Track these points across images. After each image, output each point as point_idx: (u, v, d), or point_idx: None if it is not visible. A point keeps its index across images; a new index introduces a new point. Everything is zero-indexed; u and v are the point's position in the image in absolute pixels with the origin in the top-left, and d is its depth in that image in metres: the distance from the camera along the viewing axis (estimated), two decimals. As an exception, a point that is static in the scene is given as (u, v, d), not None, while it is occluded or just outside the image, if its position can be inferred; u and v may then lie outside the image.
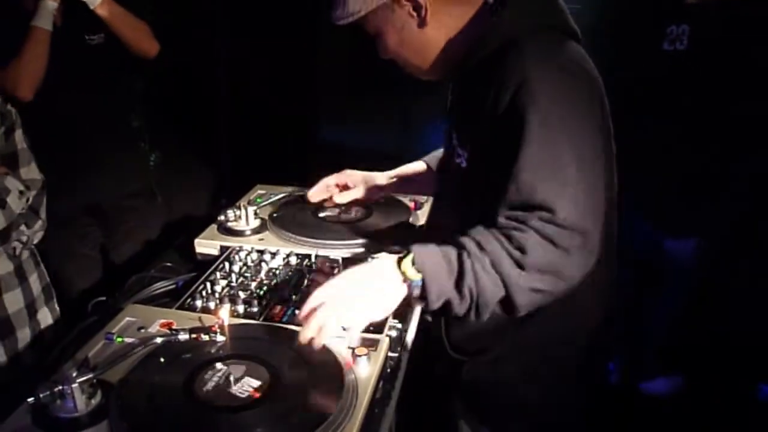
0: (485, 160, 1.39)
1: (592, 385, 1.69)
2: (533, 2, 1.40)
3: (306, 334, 1.27)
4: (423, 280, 1.25)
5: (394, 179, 2.04)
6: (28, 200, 1.81)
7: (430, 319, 1.66)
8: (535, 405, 1.57)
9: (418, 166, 2.04)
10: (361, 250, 1.89)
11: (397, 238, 1.93)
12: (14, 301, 1.88)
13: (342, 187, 2.05)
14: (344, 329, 1.35)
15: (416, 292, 1.27)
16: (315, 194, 2.08)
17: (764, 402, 2.99)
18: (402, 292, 1.29)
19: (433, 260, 1.25)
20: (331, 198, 2.05)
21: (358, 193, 2.02)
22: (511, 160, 1.25)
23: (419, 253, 1.26)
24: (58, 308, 2.07)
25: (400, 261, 1.29)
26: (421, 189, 2.13)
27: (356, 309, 1.29)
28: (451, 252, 1.25)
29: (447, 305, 1.27)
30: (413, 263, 1.26)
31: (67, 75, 2.51)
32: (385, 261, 1.33)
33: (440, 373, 1.65)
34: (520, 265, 1.22)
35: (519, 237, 1.22)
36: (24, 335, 1.90)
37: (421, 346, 1.62)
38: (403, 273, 1.27)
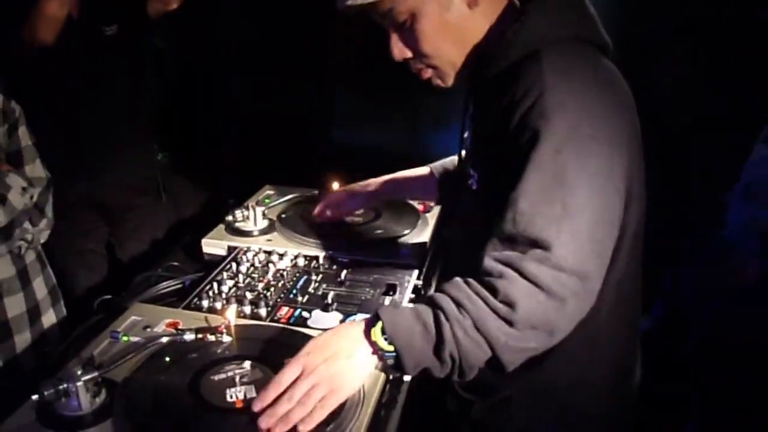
0: (496, 185, 1.22)
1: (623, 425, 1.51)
2: (561, 9, 1.24)
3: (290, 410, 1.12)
4: (396, 351, 1.13)
5: (384, 184, 1.95)
6: (32, 197, 1.80)
7: None
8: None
9: (421, 170, 1.94)
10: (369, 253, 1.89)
11: (404, 240, 1.93)
12: (15, 305, 1.87)
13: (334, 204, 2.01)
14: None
15: (390, 362, 1.16)
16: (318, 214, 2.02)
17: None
18: (372, 363, 1.19)
19: (405, 329, 1.13)
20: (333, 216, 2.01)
21: (342, 215, 2.02)
22: (513, 185, 1.13)
23: (390, 320, 1.15)
24: (65, 310, 2.06)
25: (368, 330, 1.17)
26: (419, 195, 2.09)
27: (341, 369, 1.16)
28: (427, 315, 1.13)
29: (426, 371, 1.16)
30: (383, 332, 1.15)
31: (81, 66, 2.51)
32: (351, 329, 1.21)
33: (451, 407, 1.53)
34: (508, 322, 1.09)
35: (506, 288, 1.09)
36: (23, 339, 1.88)
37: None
38: (373, 344, 1.16)
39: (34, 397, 1.12)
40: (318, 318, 1.54)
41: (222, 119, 3.37)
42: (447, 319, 1.10)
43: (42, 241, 1.92)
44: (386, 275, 1.75)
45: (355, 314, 1.55)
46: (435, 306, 1.13)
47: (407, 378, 1.31)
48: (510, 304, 1.08)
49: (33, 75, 2.41)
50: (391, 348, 1.14)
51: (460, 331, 1.09)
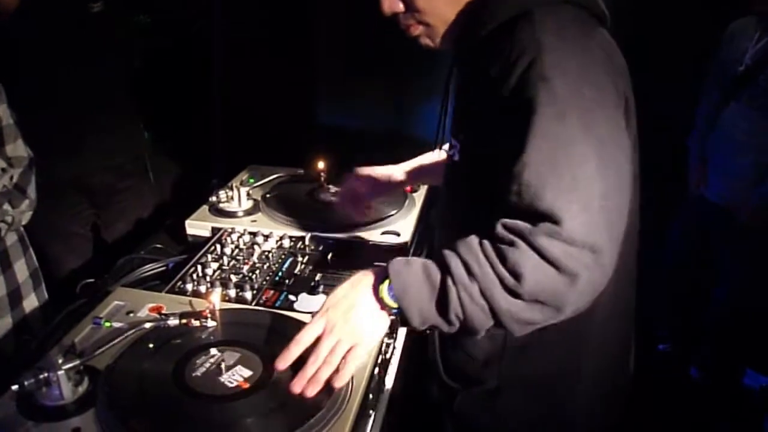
0: (482, 153, 1.18)
1: (603, 419, 1.47)
2: None
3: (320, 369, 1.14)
4: (401, 309, 1.11)
5: (411, 171, 1.86)
6: (12, 178, 1.76)
7: (428, 331, 1.45)
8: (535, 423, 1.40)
9: (435, 155, 1.81)
10: (355, 232, 1.86)
11: (391, 220, 1.91)
12: None
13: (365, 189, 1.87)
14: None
15: (398, 317, 1.14)
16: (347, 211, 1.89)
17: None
18: (386, 318, 1.16)
19: (413, 288, 1.10)
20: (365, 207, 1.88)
21: (373, 196, 1.87)
22: (515, 155, 1.05)
23: (397, 278, 1.11)
24: (46, 294, 2.03)
25: (377, 285, 1.15)
26: (439, 179, 2.01)
27: (359, 325, 1.16)
28: (435, 275, 1.09)
29: (434, 328, 1.13)
30: (390, 290, 1.12)
31: (67, 44, 2.46)
32: (361, 284, 1.18)
33: (435, 396, 1.50)
34: (514, 294, 1.03)
35: (515, 258, 1.02)
36: (4, 324, 1.85)
37: (419, 363, 1.55)
38: (381, 300, 1.14)
39: (14, 387, 1.10)
40: (305, 301, 1.52)
41: (206, 99, 3.33)
42: (454, 282, 1.05)
43: (23, 222, 1.88)
44: (373, 256, 1.73)
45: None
46: (444, 267, 1.08)
47: (395, 363, 1.29)
48: (517, 276, 1.02)
49: (15, 53, 2.36)
50: (396, 305, 1.12)
51: (466, 297, 1.05)
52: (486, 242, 1.07)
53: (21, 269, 1.92)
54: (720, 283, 2.96)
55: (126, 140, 2.81)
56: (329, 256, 1.73)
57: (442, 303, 1.07)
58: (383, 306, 1.14)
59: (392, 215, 1.97)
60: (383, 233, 1.88)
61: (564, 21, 1.11)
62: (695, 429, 2.88)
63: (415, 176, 1.86)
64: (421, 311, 1.09)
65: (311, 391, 1.13)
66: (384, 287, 1.13)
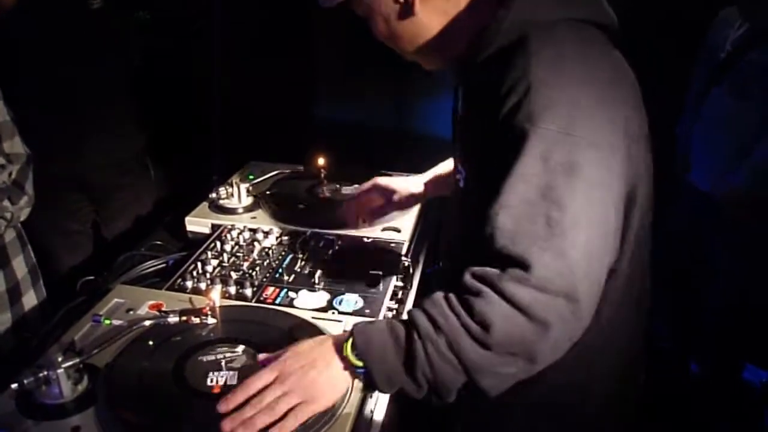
0: (481, 184, 1.12)
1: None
2: None
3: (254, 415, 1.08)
4: (366, 368, 1.08)
5: (429, 184, 1.81)
6: (10, 174, 1.75)
7: None
8: None
9: (451, 164, 1.71)
10: (356, 230, 1.86)
11: (391, 217, 1.90)
12: None
13: (378, 197, 1.84)
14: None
15: (362, 378, 1.12)
16: (351, 217, 1.86)
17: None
18: (348, 378, 1.13)
19: (377, 345, 1.08)
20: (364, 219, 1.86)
21: (388, 210, 1.84)
22: (495, 195, 1.03)
23: (362, 337, 1.09)
24: (44, 291, 2.03)
25: (340, 345, 1.12)
26: None
27: (313, 381, 1.11)
28: (400, 332, 1.07)
29: (401, 391, 1.09)
30: (354, 348, 1.10)
31: (66, 41, 2.45)
32: (325, 342, 1.16)
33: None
34: (483, 345, 1.00)
35: (482, 308, 0.99)
36: (3, 320, 1.84)
37: None
38: (345, 359, 1.11)
39: (14, 385, 1.10)
40: (305, 298, 1.52)
41: (206, 96, 3.32)
42: (419, 336, 1.03)
43: (22, 218, 1.87)
44: (373, 252, 1.73)
45: (343, 294, 1.53)
46: (410, 323, 1.07)
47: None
48: (485, 326, 0.99)
49: (14, 50, 2.36)
50: (361, 364, 1.09)
51: (433, 351, 1.02)
52: (451, 295, 1.05)
53: (19, 266, 1.92)
54: (713, 276, 2.97)
55: (126, 137, 2.81)
56: (329, 253, 1.72)
57: (408, 360, 1.05)
58: (347, 366, 1.11)
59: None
60: (383, 230, 1.88)
61: (561, 48, 1.06)
62: (696, 425, 2.87)
63: (434, 188, 1.80)
64: (387, 369, 1.07)
65: (259, 422, 1.06)
66: (348, 344, 1.10)
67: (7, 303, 1.86)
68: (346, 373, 1.12)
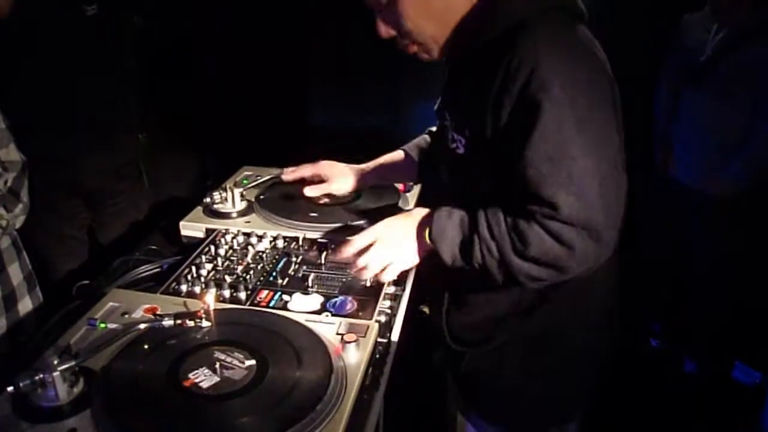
0: (488, 147, 1.34)
1: (596, 372, 1.65)
2: None
3: (357, 266, 1.47)
4: (437, 250, 1.37)
5: (371, 171, 2.01)
6: (6, 182, 1.76)
7: (427, 311, 1.65)
8: (536, 396, 1.56)
9: (396, 155, 2.00)
10: (349, 233, 1.86)
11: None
12: None
13: (316, 179, 2.03)
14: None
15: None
16: (288, 177, 2.09)
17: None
18: (421, 253, 1.46)
19: (449, 238, 1.35)
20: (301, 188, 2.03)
21: (327, 188, 2.00)
22: (519, 153, 1.24)
23: (438, 225, 1.37)
24: (41, 296, 2.03)
25: (421, 229, 1.42)
26: (400, 178, 2.13)
27: (401, 248, 1.46)
28: (466, 229, 1.33)
29: (461, 268, 1.36)
30: (430, 233, 1.37)
31: (62, 48, 2.46)
32: (412, 222, 1.46)
33: (438, 363, 1.65)
34: (521, 256, 1.26)
35: (523, 228, 1.25)
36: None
37: (418, 335, 1.61)
38: (422, 239, 1.42)
39: (10, 388, 1.10)
40: (299, 301, 1.53)
41: (200, 100, 3.33)
42: (479, 238, 1.30)
43: (17, 226, 1.88)
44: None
45: (336, 296, 1.54)
46: (474, 223, 1.32)
47: (390, 362, 1.40)
48: (524, 243, 1.25)
49: (10, 57, 2.36)
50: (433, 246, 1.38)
51: (486, 251, 1.29)
52: (507, 212, 1.29)
53: (15, 273, 1.92)
54: (699, 273, 3.01)
55: (122, 143, 2.82)
56: (323, 256, 1.73)
57: (468, 252, 1.32)
58: (422, 244, 1.44)
59: (385, 215, 1.97)
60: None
61: (556, 28, 1.27)
62: (689, 424, 2.89)
63: (378, 176, 2.02)
64: (452, 254, 1.36)
65: (365, 275, 1.49)
66: (426, 231, 1.40)
67: (2, 309, 1.86)
68: (420, 248, 1.46)
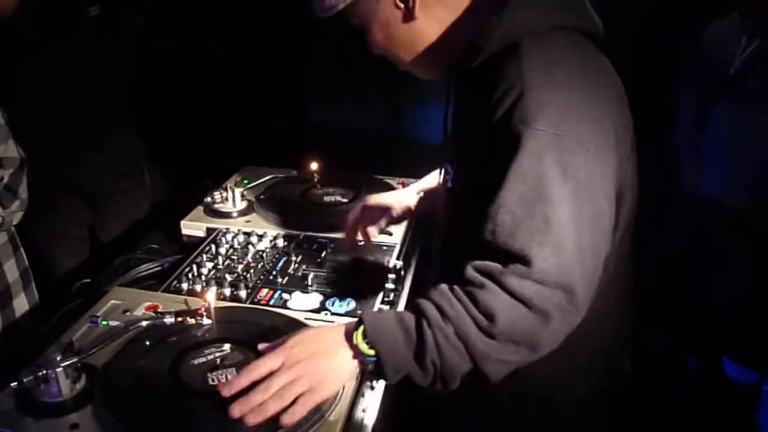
0: (472, 184, 1.19)
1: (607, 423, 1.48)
2: None
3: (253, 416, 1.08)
4: (377, 356, 1.09)
5: (423, 194, 1.81)
6: (2, 179, 1.77)
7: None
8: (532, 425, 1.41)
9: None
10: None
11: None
12: None
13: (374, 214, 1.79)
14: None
15: (370, 367, 1.11)
16: (348, 239, 1.79)
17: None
18: (354, 367, 1.14)
19: (387, 333, 1.09)
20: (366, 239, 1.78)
21: (387, 222, 1.79)
22: (494, 193, 1.07)
23: (372, 325, 1.11)
24: (36, 294, 2.04)
25: (350, 333, 1.13)
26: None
27: (320, 368, 1.12)
28: (409, 321, 1.09)
29: (407, 378, 1.11)
30: (365, 336, 1.10)
31: (63, 48, 2.47)
32: (335, 331, 1.16)
33: (434, 396, 1.51)
34: (488, 334, 1.04)
35: (487, 300, 1.04)
36: None
37: None
38: (354, 347, 1.11)
39: (13, 384, 1.12)
40: (298, 299, 1.54)
41: (200, 100, 3.34)
42: (429, 325, 1.06)
43: (14, 223, 1.88)
44: (365, 255, 1.76)
45: (335, 295, 1.56)
46: (419, 312, 1.09)
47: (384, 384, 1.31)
48: (490, 317, 1.03)
49: (12, 57, 2.37)
50: (372, 352, 1.09)
51: (442, 338, 1.05)
52: (456, 287, 1.09)
53: (11, 269, 1.92)
54: (721, 284, 2.99)
55: (122, 142, 2.83)
56: (322, 256, 1.75)
57: (418, 347, 1.07)
58: (356, 354, 1.12)
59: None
60: (376, 233, 1.90)
61: (551, 54, 1.11)
62: (688, 424, 2.90)
63: (428, 197, 1.79)
64: (397, 357, 1.08)
65: (252, 420, 1.07)
66: (359, 333, 1.11)
67: None
68: (354, 362, 1.13)
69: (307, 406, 1.10)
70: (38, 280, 2.07)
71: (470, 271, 1.08)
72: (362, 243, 1.79)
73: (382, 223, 1.77)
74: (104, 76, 2.65)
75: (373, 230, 1.76)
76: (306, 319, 1.43)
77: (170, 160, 3.48)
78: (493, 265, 1.06)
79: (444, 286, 1.10)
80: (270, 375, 1.10)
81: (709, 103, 2.76)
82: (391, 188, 2.18)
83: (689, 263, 3.10)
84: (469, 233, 1.12)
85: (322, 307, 1.51)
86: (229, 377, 1.20)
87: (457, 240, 1.21)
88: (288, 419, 1.08)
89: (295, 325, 1.38)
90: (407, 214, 1.81)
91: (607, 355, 1.39)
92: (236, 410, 1.07)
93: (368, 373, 1.14)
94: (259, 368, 1.11)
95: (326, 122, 3.35)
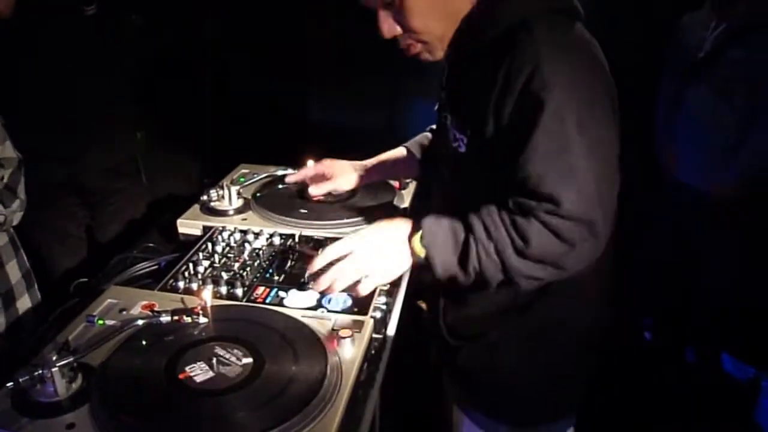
0: (490, 146, 1.33)
1: (593, 365, 1.65)
2: None
3: (323, 283, 1.38)
4: (428, 258, 1.30)
5: (373, 168, 2.01)
6: (2, 179, 1.77)
7: (424, 306, 1.65)
8: (532, 390, 1.55)
9: (398, 152, 2.00)
10: (345, 230, 1.88)
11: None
12: None
13: (320, 178, 2.03)
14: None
15: (422, 263, 1.33)
16: (291, 179, 2.11)
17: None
18: (408, 263, 1.36)
19: (440, 240, 1.30)
20: (306, 188, 2.05)
21: (330, 185, 2.01)
22: (520, 149, 1.23)
23: (429, 231, 1.31)
24: (39, 294, 2.04)
25: (411, 235, 1.34)
26: (402, 175, 2.14)
27: (381, 258, 1.37)
28: (460, 233, 1.29)
29: (452, 278, 1.31)
30: (422, 239, 1.31)
31: (61, 47, 2.47)
32: (398, 230, 1.37)
33: (435, 357, 1.64)
34: (521, 254, 1.24)
35: (523, 226, 1.23)
36: None
37: (414, 330, 1.61)
38: (412, 248, 1.34)
39: (9, 384, 1.12)
40: (295, 297, 1.54)
41: (197, 99, 3.34)
42: (475, 240, 1.26)
43: (14, 223, 1.89)
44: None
45: (332, 293, 1.55)
46: (468, 226, 1.28)
47: (385, 357, 1.38)
48: (525, 240, 1.23)
49: (10, 57, 2.37)
50: (424, 254, 1.32)
51: (483, 253, 1.25)
52: (503, 211, 1.27)
53: (13, 270, 1.93)
54: (704, 273, 3.00)
55: (120, 141, 2.83)
56: (319, 253, 1.74)
57: (462, 256, 1.28)
58: (412, 252, 1.34)
59: (380, 212, 1.99)
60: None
61: (558, 30, 1.28)
62: (683, 418, 2.90)
63: (380, 172, 2.03)
64: (445, 261, 1.29)
65: (336, 287, 1.37)
66: (417, 237, 1.32)
67: (0, 308, 1.87)
68: (408, 257, 1.36)
69: (370, 287, 1.38)
70: (36, 280, 2.07)
71: (511, 204, 1.27)
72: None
73: (323, 188, 2.01)
74: (103, 76, 2.66)
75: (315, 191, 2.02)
76: (303, 317, 1.43)
77: (168, 158, 3.48)
78: (529, 203, 1.24)
79: (493, 207, 1.29)
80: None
81: (681, 87, 2.83)
82: (387, 185, 2.19)
83: (678, 258, 3.13)
84: (487, 187, 1.34)
85: (318, 305, 1.51)
86: (199, 371, 1.22)
87: (473, 197, 1.35)
88: (361, 290, 1.37)
89: (294, 323, 1.38)
90: (353, 181, 2.01)
91: (600, 298, 1.56)
92: (319, 284, 1.38)
93: (421, 267, 1.35)
94: (330, 253, 1.39)
95: (323, 120, 3.36)
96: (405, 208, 2.10)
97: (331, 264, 1.38)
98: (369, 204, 2.05)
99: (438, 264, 1.30)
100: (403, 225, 1.38)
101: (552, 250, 1.24)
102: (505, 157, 1.27)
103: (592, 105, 1.24)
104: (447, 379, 1.66)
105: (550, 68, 1.21)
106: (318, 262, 1.39)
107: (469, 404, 1.64)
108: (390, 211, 2.03)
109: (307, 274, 1.45)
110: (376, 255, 1.37)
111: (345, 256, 1.37)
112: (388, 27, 1.40)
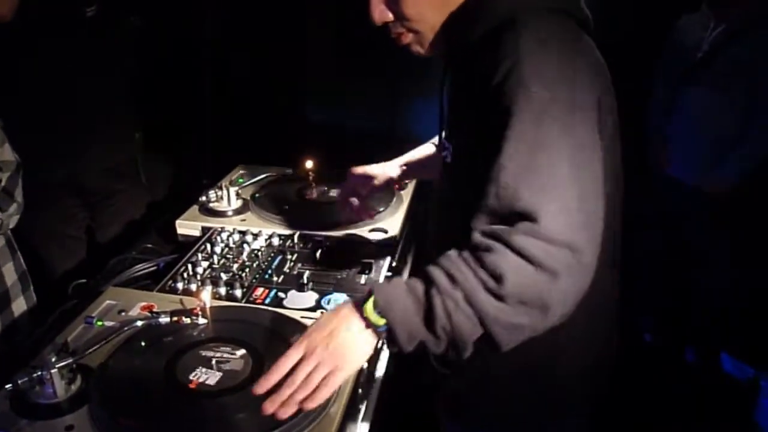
0: (470, 155, 1.19)
1: (595, 395, 1.50)
2: None
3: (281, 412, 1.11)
4: (388, 325, 1.09)
5: (405, 167, 1.86)
6: (0, 182, 1.77)
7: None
8: (522, 414, 1.43)
9: (426, 149, 1.86)
10: (345, 230, 1.88)
11: (378, 218, 1.94)
12: None
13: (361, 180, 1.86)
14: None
15: (384, 336, 1.11)
16: (339, 209, 1.90)
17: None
18: (370, 338, 1.13)
19: (397, 302, 1.09)
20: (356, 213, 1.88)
21: (369, 189, 1.85)
22: (493, 158, 1.08)
23: (382, 295, 1.10)
24: (35, 297, 2.04)
25: (361, 305, 1.12)
26: (433, 173, 2.02)
27: (338, 348, 1.12)
28: (419, 288, 1.09)
29: (422, 346, 1.10)
30: (375, 307, 1.10)
31: (61, 48, 2.47)
32: (343, 308, 1.16)
33: (427, 379, 1.56)
34: (497, 296, 1.03)
35: (493, 261, 1.03)
36: None
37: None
38: (366, 319, 1.11)
39: (8, 386, 1.12)
40: (294, 298, 1.54)
41: (196, 99, 3.34)
42: (438, 292, 1.05)
43: (11, 226, 1.89)
44: (361, 253, 1.76)
45: (331, 293, 1.55)
46: (427, 279, 1.08)
47: (384, 358, 1.31)
48: (498, 278, 1.02)
49: (10, 58, 2.37)
50: (382, 322, 1.09)
51: (451, 304, 1.04)
52: (465, 252, 1.08)
53: (9, 272, 1.92)
54: (701, 271, 3.02)
55: (120, 142, 2.82)
56: (318, 254, 1.75)
57: (428, 314, 1.06)
58: (368, 324, 1.11)
59: (380, 212, 1.99)
60: (371, 231, 1.90)
61: (546, 29, 1.14)
62: (684, 418, 2.91)
63: (410, 170, 1.86)
64: (408, 325, 1.08)
65: (283, 414, 1.09)
66: (369, 304, 1.10)
67: None
68: (369, 332, 1.12)
69: (330, 387, 1.11)
70: (35, 281, 2.06)
71: (477, 236, 1.08)
72: (358, 216, 1.88)
73: (363, 191, 1.83)
74: (102, 76, 2.65)
75: (357, 202, 1.83)
76: (302, 317, 1.43)
77: (167, 159, 3.48)
78: (499, 228, 1.06)
79: (452, 252, 1.10)
80: (295, 367, 1.12)
81: (678, 87, 2.87)
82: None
83: (675, 252, 3.14)
84: (471, 204, 1.12)
85: (317, 306, 1.51)
86: (210, 379, 1.20)
87: (456, 213, 1.20)
88: (310, 404, 1.10)
89: (293, 324, 1.38)
90: (389, 182, 1.85)
91: (594, 327, 1.39)
92: (268, 407, 1.09)
93: (385, 342, 1.13)
94: (285, 362, 1.12)
95: (322, 121, 3.35)
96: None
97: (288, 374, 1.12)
98: (368, 204, 2.05)
99: (400, 332, 1.08)
100: (347, 302, 1.17)
101: (532, 284, 1.03)
102: (483, 167, 1.11)
103: (576, 108, 1.09)
104: (438, 401, 1.55)
105: (530, 65, 1.08)
106: (273, 378, 1.12)
107: (459, 426, 1.55)
108: (388, 209, 2.02)
109: (259, 390, 1.11)
110: (332, 345, 1.12)
111: (300, 361, 1.13)
112: (380, 13, 1.29)
